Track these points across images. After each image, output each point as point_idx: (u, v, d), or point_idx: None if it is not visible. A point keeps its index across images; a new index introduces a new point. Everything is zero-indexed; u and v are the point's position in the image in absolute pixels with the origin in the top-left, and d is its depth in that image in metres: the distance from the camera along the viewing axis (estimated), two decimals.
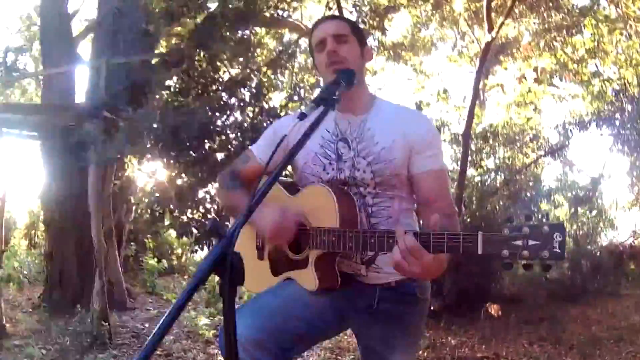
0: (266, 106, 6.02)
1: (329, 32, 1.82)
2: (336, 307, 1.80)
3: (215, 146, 5.44)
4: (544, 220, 1.31)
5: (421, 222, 1.88)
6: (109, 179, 5.74)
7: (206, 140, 5.31)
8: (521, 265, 1.33)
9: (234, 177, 1.96)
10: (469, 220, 7.35)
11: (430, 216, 1.53)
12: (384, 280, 1.79)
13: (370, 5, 7.96)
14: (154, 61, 6.17)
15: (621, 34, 5.83)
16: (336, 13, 7.43)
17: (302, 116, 1.47)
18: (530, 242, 1.30)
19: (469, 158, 7.53)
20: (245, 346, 1.59)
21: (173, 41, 6.56)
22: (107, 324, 4.94)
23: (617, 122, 6.22)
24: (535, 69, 10.02)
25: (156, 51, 6.49)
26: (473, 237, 1.37)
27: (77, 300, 5.85)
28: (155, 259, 8.11)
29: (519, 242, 1.31)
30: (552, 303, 7.35)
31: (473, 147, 8.57)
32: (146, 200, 6.79)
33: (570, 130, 7.31)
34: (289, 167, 2.01)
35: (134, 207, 7.66)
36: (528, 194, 9.08)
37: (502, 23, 6.81)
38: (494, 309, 5.59)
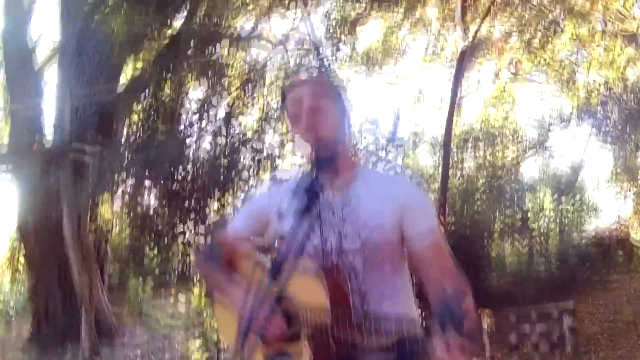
0: (237, 130, 5.91)
1: (306, 107, 1.66)
2: None
3: (188, 179, 5.32)
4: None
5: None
6: (84, 221, 5.61)
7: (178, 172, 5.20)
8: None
9: (213, 254, 1.84)
10: (453, 228, 7.35)
11: (435, 295, 1.48)
12: (383, 342, 1.65)
13: (340, 15, 7.91)
14: (120, 89, 6.07)
15: (602, 35, 5.83)
16: (301, 23, 7.42)
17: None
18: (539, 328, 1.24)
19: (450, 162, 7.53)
20: None
21: (138, 65, 6.44)
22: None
23: (598, 116, 6.20)
24: (511, 63, 10.08)
25: (122, 76, 6.38)
26: None
27: (66, 334, 5.75)
28: (140, 277, 7.88)
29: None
30: (542, 298, 7.34)
31: (454, 147, 8.61)
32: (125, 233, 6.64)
33: (551, 125, 7.28)
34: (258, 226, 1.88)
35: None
36: (510, 191, 9.11)
37: (478, 29, 6.81)
38: (488, 323, 5.50)
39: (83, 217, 5.54)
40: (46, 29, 8.31)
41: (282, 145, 6.77)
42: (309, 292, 1.58)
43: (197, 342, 5.71)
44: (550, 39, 6.74)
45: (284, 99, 1.75)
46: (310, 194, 1.47)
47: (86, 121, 4.94)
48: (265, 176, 6.03)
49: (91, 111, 4.96)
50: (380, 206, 1.66)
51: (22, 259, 8.51)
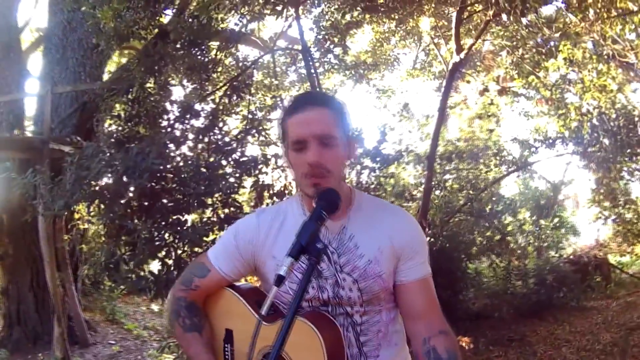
0: (219, 136, 5.70)
1: (314, 132, 1.44)
2: None
3: (169, 187, 5.08)
4: None
5: (410, 337, 1.62)
6: (60, 222, 5.36)
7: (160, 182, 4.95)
8: None
9: (190, 310, 1.67)
10: (432, 240, 7.26)
11: (421, 331, 1.52)
12: None
13: (332, 21, 7.75)
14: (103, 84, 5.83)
15: (597, 59, 5.79)
16: (295, 28, 7.24)
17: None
18: None
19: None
20: None
21: (123, 60, 6.20)
22: None
23: (586, 137, 6.18)
24: (497, 79, 10.10)
25: (105, 71, 6.13)
26: None
27: (38, 337, 5.54)
28: (115, 283, 7.65)
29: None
30: (519, 319, 7.32)
31: (437, 166, 8.54)
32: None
33: (536, 147, 7.26)
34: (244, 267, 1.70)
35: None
36: (490, 210, 9.08)
37: (472, 45, 6.73)
38: (463, 341, 5.46)
39: (59, 218, 5.30)
40: (32, 17, 8.04)
41: (266, 145, 6.67)
42: (304, 349, 1.45)
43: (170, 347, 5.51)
44: (542, 58, 6.69)
45: (284, 119, 1.52)
46: (309, 246, 1.29)
47: (67, 117, 4.69)
48: (249, 181, 5.90)
49: (72, 106, 4.71)
50: (378, 253, 1.54)
51: None
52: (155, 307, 7.48)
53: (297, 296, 1.27)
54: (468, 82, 10.29)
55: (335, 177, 1.48)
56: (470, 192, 9.07)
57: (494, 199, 9.39)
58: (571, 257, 8.79)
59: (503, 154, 9.47)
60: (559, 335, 6.44)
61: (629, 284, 8.29)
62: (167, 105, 6.12)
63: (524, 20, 6.90)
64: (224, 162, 5.98)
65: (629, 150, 6.09)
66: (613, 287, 8.20)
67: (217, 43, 6.82)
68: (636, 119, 5.60)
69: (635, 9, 4.70)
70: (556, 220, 9.63)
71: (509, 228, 9.04)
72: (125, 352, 5.79)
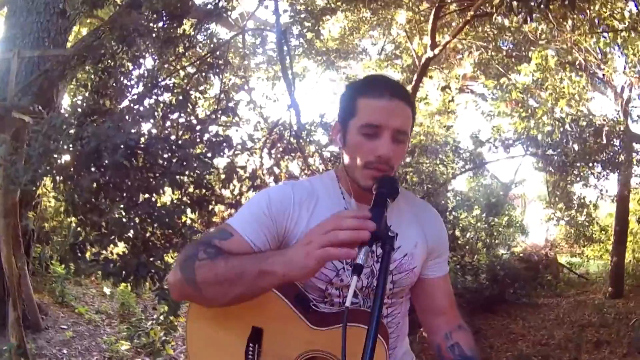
0: (192, 118, 5.48)
1: (393, 125, 1.35)
2: None
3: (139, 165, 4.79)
4: None
5: (429, 331, 1.60)
6: (14, 204, 4.96)
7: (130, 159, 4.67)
8: None
9: (214, 247, 1.37)
10: None
11: (443, 326, 1.51)
12: None
13: (307, 5, 7.60)
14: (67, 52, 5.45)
15: (570, 68, 5.97)
16: (263, 10, 7.08)
17: None
18: None
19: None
20: None
21: (84, 31, 5.83)
22: None
23: (545, 144, 6.39)
24: (460, 77, 10.28)
25: (69, 39, 5.74)
26: None
27: None
28: (63, 266, 7.21)
29: None
30: (472, 313, 7.50)
31: None
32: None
33: (496, 147, 7.45)
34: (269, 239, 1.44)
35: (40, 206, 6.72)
36: (444, 205, 9.27)
37: (448, 42, 6.77)
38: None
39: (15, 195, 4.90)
40: None
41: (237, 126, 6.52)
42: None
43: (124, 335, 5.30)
44: (512, 62, 6.86)
45: (355, 95, 1.41)
46: (382, 233, 1.18)
47: (28, 84, 4.34)
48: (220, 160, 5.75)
49: (34, 74, 4.36)
50: (413, 247, 1.50)
51: None
52: (107, 289, 7.14)
53: (378, 295, 1.14)
54: (431, 77, 10.40)
55: (393, 174, 1.40)
56: (429, 186, 9.22)
57: (449, 194, 9.60)
58: (521, 255, 9.11)
59: (460, 151, 9.69)
60: (514, 329, 6.67)
61: (578, 283, 8.70)
62: (136, 79, 5.84)
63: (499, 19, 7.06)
64: (197, 141, 5.78)
65: (587, 157, 6.34)
66: (563, 285, 8.58)
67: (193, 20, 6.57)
68: (606, 127, 5.84)
69: (622, 27, 4.85)
70: (506, 218, 9.96)
71: (463, 223, 9.28)
72: (79, 338, 5.49)
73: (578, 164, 6.60)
